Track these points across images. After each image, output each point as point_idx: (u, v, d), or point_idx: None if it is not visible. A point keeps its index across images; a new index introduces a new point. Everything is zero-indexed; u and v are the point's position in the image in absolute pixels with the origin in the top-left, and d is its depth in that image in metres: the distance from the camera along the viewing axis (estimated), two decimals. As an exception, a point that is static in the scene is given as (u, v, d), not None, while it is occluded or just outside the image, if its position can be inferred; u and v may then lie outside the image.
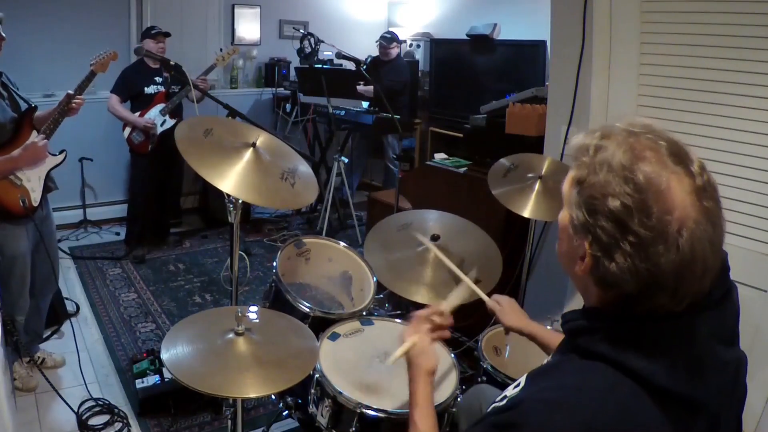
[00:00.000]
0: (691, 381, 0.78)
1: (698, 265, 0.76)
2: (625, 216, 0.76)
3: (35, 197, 2.33)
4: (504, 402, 0.89)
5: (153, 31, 3.90)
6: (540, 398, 0.82)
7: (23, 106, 2.39)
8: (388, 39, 5.05)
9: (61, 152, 2.45)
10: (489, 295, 1.73)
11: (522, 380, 0.94)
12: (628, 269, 0.77)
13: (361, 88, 4.91)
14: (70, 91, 2.38)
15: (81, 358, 2.71)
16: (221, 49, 4.32)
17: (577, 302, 2.60)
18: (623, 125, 0.83)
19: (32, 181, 2.33)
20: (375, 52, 5.22)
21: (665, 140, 0.80)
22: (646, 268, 0.76)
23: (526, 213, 2.23)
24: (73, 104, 2.37)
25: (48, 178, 2.41)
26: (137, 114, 3.92)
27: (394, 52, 5.09)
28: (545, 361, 1.03)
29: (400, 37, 5.77)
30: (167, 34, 3.95)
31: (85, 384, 2.52)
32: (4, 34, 2.28)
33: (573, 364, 0.84)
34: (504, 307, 1.64)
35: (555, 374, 0.87)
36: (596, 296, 0.87)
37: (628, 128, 0.82)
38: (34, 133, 2.34)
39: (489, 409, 0.94)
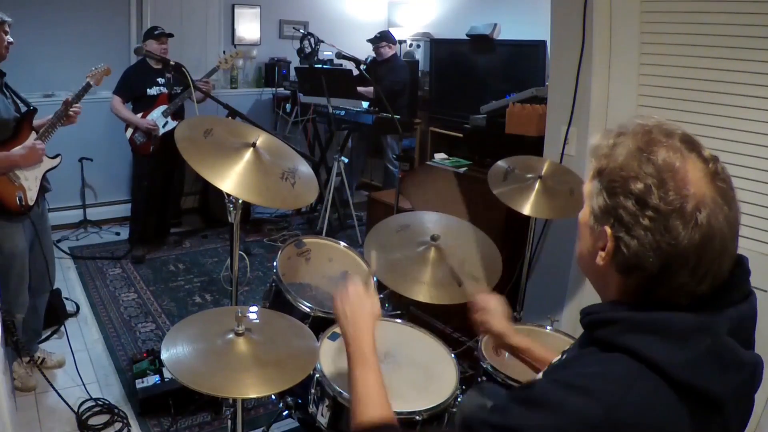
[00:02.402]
0: (710, 375, 0.78)
1: (716, 243, 0.78)
2: (645, 194, 0.79)
3: (31, 196, 2.38)
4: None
5: (156, 32, 3.88)
6: (560, 380, 0.82)
7: (23, 108, 2.43)
8: (377, 39, 5.05)
9: (56, 156, 2.51)
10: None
11: (539, 376, 0.94)
12: (649, 244, 0.79)
13: (361, 88, 4.91)
14: (68, 98, 2.46)
15: (81, 358, 2.71)
16: (224, 52, 4.31)
17: (576, 302, 2.60)
18: (638, 121, 0.87)
19: (29, 180, 2.38)
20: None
21: (678, 131, 0.84)
22: (667, 242, 0.78)
23: (526, 211, 2.22)
24: (71, 113, 2.46)
25: (44, 178, 2.47)
26: (139, 115, 3.91)
27: (386, 51, 5.06)
28: (555, 359, 1.02)
29: (401, 37, 5.78)
30: (170, 35, 3.94)
31: (83, 384, 2.51)
32: (12, 39, 2.34)
33: (594, 357, 0.84)
34: (490, 306, 1.51)
35: (575, 365, 0.87)
36: (617, 288, 0.87)
37: (642, 122, 0.86)
38: (33, 134, 2.40)
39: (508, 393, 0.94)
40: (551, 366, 0.93)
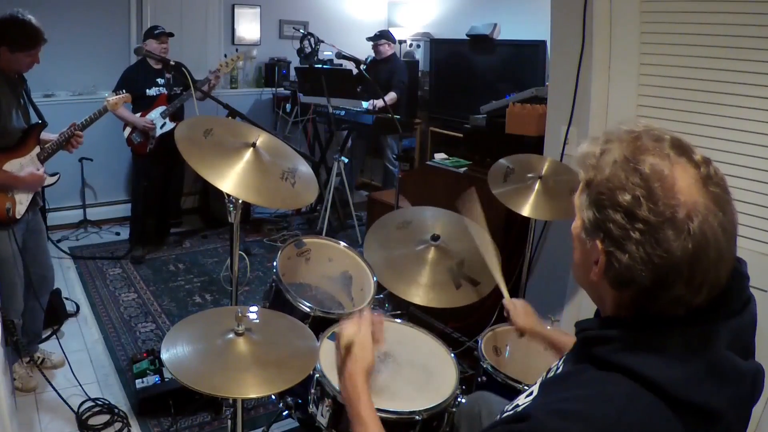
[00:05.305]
0: (709, 391, 0.77)
1: (711, 251, 0.75)
2: (633, 206, 0.76)
3: (20, 210, 2.38)
4: (517, 411, 0.87)
5: (156, 31, 3.87)
6: (555, 409, 0.80)
7: (33, 118, 2.47)
8: (376, 36, 5.04)
9: (54, 174, 2.55)
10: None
11: (534, 389, 0.93)
12: (641, 258, 0.76)
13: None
14: (76, 122, 2.49)
15: (81, 358, 2.71)
16: (225, 55, 4.31)
17: (576, 302, 2.60)
18: (625, 127, 0.84)
19: (21, 194, 2.39)
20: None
21: (667, 136, 0.81)
22: (658, 254, 0.75)
23: (525, 212, 2.22)
24: (73, 141, 2.49)
25: (37, 194, 2.50)
26: (138, 115, 3.91)
27: (386, 49, 5.04)
28: (554, 366, 1.01)
29: (401, 37, 5.76)
30: (170, 34, 3.93)
31: (81, 385, 2.51)
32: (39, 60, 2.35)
33: (588, 375, 0.82)
34: (517, 308, 1.76)
35: (569, 385, 0.85)
36: (613, 301, 0.85)
37: (630, 128, 0.83)
38: (38, 148, 2.43)
39: (501, 417, 0.93)
40: (548, 381, 0.92)
